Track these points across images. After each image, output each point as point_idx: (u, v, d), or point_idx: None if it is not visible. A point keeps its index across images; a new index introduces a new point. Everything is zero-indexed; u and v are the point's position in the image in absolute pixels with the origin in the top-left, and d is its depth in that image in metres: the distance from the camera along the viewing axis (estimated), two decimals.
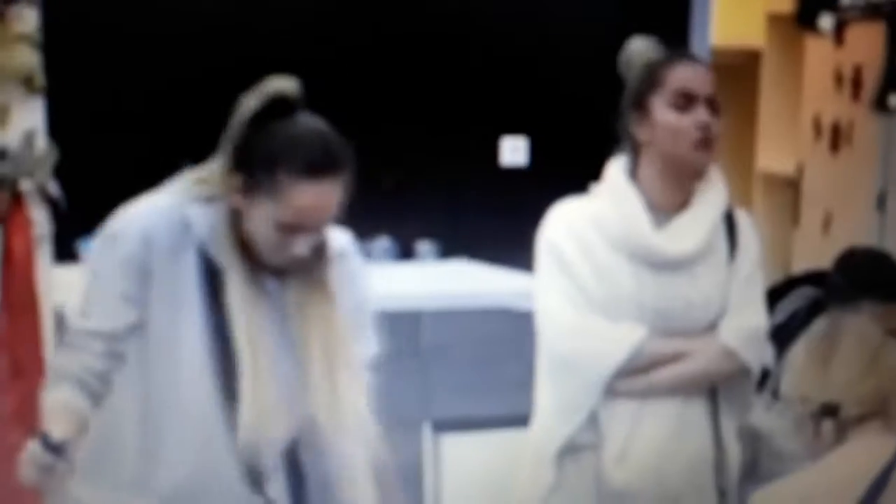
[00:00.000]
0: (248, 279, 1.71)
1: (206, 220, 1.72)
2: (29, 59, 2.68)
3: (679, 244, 2.00)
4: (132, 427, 1.77)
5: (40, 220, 2.71)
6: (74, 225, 2.70)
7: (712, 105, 2.00)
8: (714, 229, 2.04)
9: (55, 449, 1.63)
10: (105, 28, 3.07)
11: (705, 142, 1.98)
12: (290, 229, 1.68)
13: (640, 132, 2.01)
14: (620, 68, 2.06)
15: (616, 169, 2.05)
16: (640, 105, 2.01)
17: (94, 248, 1.77)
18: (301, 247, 1.70)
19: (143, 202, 1.76)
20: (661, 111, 1.99)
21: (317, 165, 1.67)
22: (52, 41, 2.76)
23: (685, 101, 1.98)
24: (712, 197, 2.04)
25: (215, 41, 3.28)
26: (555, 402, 2.03)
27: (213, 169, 1.73)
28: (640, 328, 1.99)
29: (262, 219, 1.68)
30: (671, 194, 2.02)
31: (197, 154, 3.52)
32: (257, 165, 1.67)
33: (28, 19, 2.66)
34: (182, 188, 1.74)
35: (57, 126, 2.78)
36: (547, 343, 2.04)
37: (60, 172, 2.75)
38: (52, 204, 2.74)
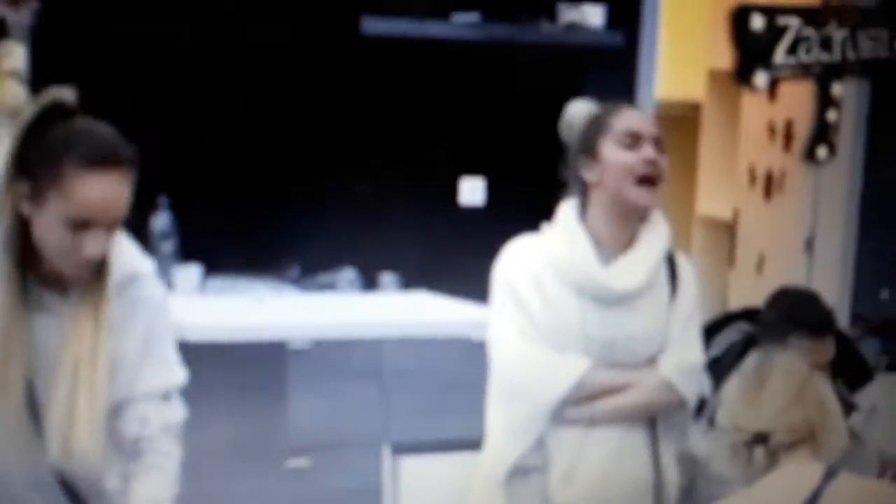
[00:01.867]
0: (19, 294, 1.62)
1: None
2: (17, 93, 2.66)
3: (623, 281, 2.01)
4: None
5: None
6: None
7: (658, 144, 2.02)
8: (656, 268, 2.05)
9: None
10: (95, 60, 3.03)
11: (652, 177, 2.00)
12: (79, 225, 1.59)
13: (589, 174, 2.03)
14: (561, 133, 2.08)
15: (566, 210, 2.07)
16: (589, 149, 2.03)
17: None
18: (92, 247, 1.61)
19: None
20: (610, 151, 2.01)
21: (100, 156, 1.60)
22: (41, 73, 2.72)
23: (632, 140, 2.01)
24: (655, 238, 2.06)
25: (200, 67, 3.25)
26: (504, 427, 2.02)
27: None
28: (585, 360, 2.00)
29: (50, 220, 1.60)
30: (617, 234, 2.04)
31: (177, 192, 3.46)
32: (41, 165, 1.59)
33: (16, 55, 2.64)
34: None
35: None
36: (497, 370, 2.04)
37: None
38: None
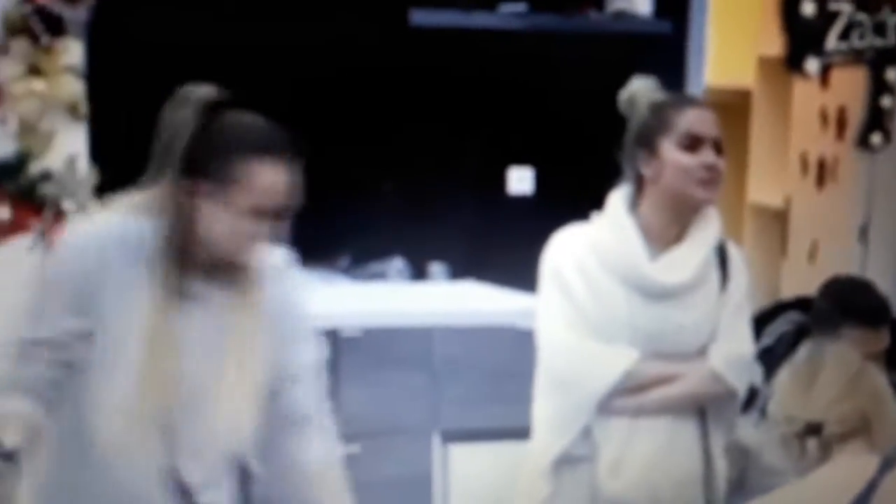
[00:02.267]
0: (176, 286, 1.66)
1: (153, 234, 1.67)
2: (74, 88, 2.69)
3: (671, 275, 1.98)
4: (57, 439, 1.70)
5: None
6: None
7: (717, 146, 1.98)
8: (706, 261, 2.01)
9: (6, 456, 1.60)
10: (148, 55, 3.05)
11: (711, 181, 1.97)
12: (256, 212, 1.64)
13: (647, 169, 1.99)
14: (622, 106, 2.03)
15: (617, 200, 2.03)
16: (649, 144, 1.98)
17: (48, 261, 1.74)
18: (264, 233, 1.66)
19: (94, 218, 1.74)
20: (671, 151, 1.97)
21: (271, 147, 1.66)
22: (97, 69, 2.75)
23: (694, 142, 1.97)
24: (706, 230, 2.02)
25: (250, 66, 3.27)
26: (551, 417, 2.01)
27: (152, 186, 1.68)
28: (633, 352, 1.97)
29: (224, 212, 1.64)
30: (668, 227, 2.01)
31: None
32: (211, 163, 1.64)
33: (73, 51, 2.66)
34: (130, 205, 1.70)
35: (99, 149, 2.76)
36: (545, 361, 2.02)
37: (101, 190, 2.74)
38: None
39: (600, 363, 1.97)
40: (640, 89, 2.02)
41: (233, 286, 1.70)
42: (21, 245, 2.67)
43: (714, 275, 2.04)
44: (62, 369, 1.68)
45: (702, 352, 2.01)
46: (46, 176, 2.67)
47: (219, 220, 1.65)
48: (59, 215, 2.67)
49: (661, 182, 1.97)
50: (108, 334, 1.67)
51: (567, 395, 1.99)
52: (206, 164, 1.64)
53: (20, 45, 2.62)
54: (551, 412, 2.01)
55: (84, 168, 2.72)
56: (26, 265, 2.59)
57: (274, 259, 1.76)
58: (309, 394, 1.79)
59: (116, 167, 2.82)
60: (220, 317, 1.69)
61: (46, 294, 1.69)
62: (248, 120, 1.68)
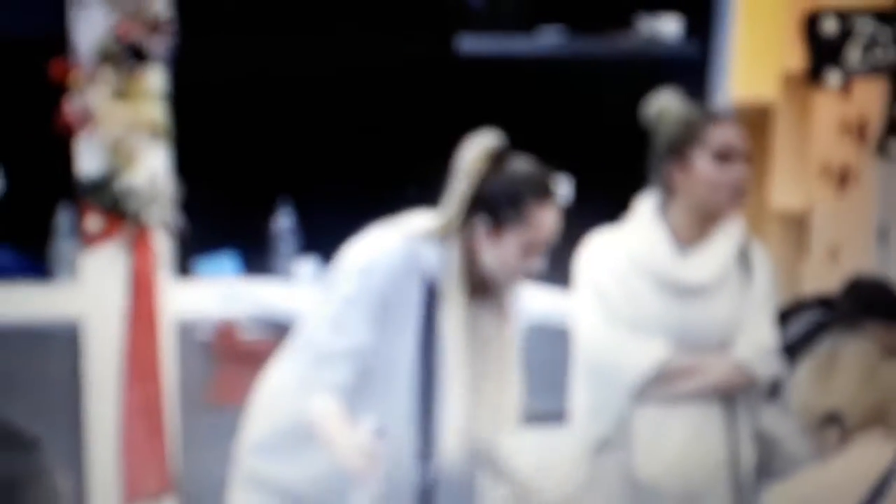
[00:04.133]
0: (465, 308, 1.79)
1: (437, 259, 1.79)
2: (157, 111, 2.70)
3: (699, 273, 2.00)
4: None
5: (162, 245, 2.76)
6: (193, 246, 2.77)
7: (746, 158, 1.97)
8: (731, 259, 2.01)
9: (379, 433, 1.69)
10: (232, 77, 3.11)
11: (739, 193, 1.99)
12: (534, 248, 1.79)
13: (678, 179, 2.00)
14: (648, 118, 2.03)
15: (646, 205, 2.04)
16: (681, 154, 1.99)
17: (343, 277, 1.81)
18: (539, 263, 1.81)
19: (382, 240, 1.83)
20: (703, 164, 1.99)
21: (549, 190, 1.82)
22: (180, 91, 2.78)
23: (725, 155, 1.97)
24: (730, 231, 2.03)
25: (307, 90, 3.33)
26: (587, 406, 2.03)
27: (442, 216, 1.82)
28: (665, 343, 1.96)
29: (509, 247, 1.78)
30: (695, 229, 2.04)
31: (297, 192, 3.57)
32: (504, 203, 1.79)
33: (156, 76, 2.70)
34: (416, 230, 1.82)
35: (182, 164, 2.81)
36: (582, 354, 2.03)
37: (184, 203, 2.80)
38: (173, 232, 2.77)
39: (634, 354, 2.00)
40: (669, 103, 2.03)
41: (495, 305, 1.84)
42: (112, 250, 2.70)
43: (739, 272, 2.04)
44: (361, 376, 1.77)
45: (727, 345, 2.01)
46: (130, 191, 2.71)
47: (504, 255, 1.78)
48: (142, 227, 2.73)
49: (691, 191, 1.98)
50: (394, 347, 1.77)
51: (602, 385, 2.02)
52: (494, 204, 1.79)
53: (108, 72, 2.66)
54: (587, 401, 2.03)
55: (165, 184, 2.75)
56: (118, 268, 2.67)
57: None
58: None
59: (197, 182, 2.90)
60: (482, 329, 1.82)
61: (348, 309, 1.77)
62: (530, 167, 1.83)
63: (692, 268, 1.99)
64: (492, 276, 1.80)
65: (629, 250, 2.01)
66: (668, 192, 2.01)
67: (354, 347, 1.74)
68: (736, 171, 1.95)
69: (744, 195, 1.98)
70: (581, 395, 2.04)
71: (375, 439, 1.64)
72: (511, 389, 1.82)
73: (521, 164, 1.82)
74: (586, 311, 2.02)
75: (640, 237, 2.01)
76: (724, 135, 1.97)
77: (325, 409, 1.73)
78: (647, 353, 1.98)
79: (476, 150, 1.81)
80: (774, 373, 2.08)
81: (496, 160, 1.80)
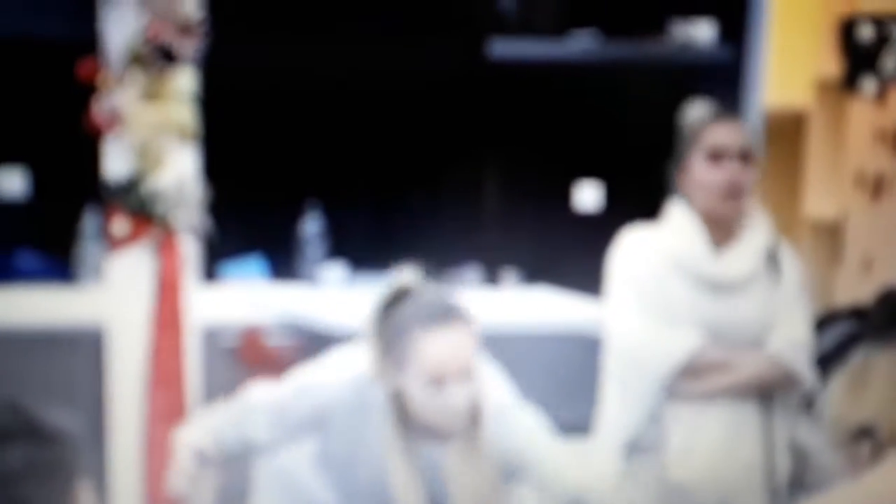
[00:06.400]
0: (405, 448, 1.72)
1: (379, 401, 1.74)
2: (186, 113, 2.70)
3: (732, 269, 2.01)
4: None
5: (189, 249, 2.76)
6: (220, 250, 2.78)
7: (745, 156, 1.97)
8: (761, 257, 2.01)
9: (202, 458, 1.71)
10: (262, 81, 3.12)
11: (733, 193, 1.97)
12: (437, 381, 1.67)
13: (682, 183, 2.00)
14: (677, 129, 2.05)
15: (678, 206, 2.06)
16: (681, 160, 2.00)
17: (304, 378, 1.81)
18: (455, 396, 1.68)
19: (335, 374, 1.79)
20: (697, 165, 2.00)
21: (436, 316, 1.69)
22: (210, 93, 2.79)
23: (717, 156, 1.97)
24: (757, 230, 2.03)
25: (339, 92, 3.35)
26: (618, 400, 2.03)
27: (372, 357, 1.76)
28: (698, 333, 1.96)
29: (414, 384, 1.69)
30: (716, 232, 2.03)
31: (325, 197, 3.61)
32: (395, 339, 1.70)
33: (185, 78, 2.70)
34: (361, 370, 1.76)
35: (210, 167, 2.82)
36: (615, 345, 2.03)
37: (211, 206, 2.81)
38: (200, 236, 2.78)
39: (667, 343, 1.99)
40: (689, 113, 2.04)
41: (463, 445, 1.72)
42: (138, 253, 2.72)
43: (769, 271, 2.03)
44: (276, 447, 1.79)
45: (759, 342, 2.00)
46: (157, 194, 2.71)
47: (414, 392, 1.69)
48: (169, 230, 2.74)
49: (691, 194, 1.99)
50: (338, 460, 1.75)
51: (633, 376, 2.00)
52: (390, 342, 1.70)
53: (137, 73, 2.66)
54: (618, 395, 2.03)
55: (193, 187, 2.76)
56: (144, 272, 2.69)
57: (495, 401, 1.77)
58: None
59: (225, 186, 2.92)
60: (444, 468, 1.72)
61: (291, 404, 1.77)
62: (417, 301, 1.71)
63: (725, 264, 1.99)
64: (423, 420, 1.70)
65: (665, 247, 2.00)
66: (680, 197, 2.02)
67: (281, 438, 1.75)
68: (727, 171, 1.94)
69: (741, 194, 1.96)
70: (611, 395, 2.02)
71: (200, 464, 1.66)
72: None
73: (409, 302, 1.71)
74: (620, 304, 2.01)
75: (677, 233, 2.00)
76: (715, 135, 1.96)
77: (187, 435, 1.76)
78: (681, 343, 1.96)
79: (381, 293, 1.73)
80: (808, 367, 2.04)
81: (394, 302, 1.71)
